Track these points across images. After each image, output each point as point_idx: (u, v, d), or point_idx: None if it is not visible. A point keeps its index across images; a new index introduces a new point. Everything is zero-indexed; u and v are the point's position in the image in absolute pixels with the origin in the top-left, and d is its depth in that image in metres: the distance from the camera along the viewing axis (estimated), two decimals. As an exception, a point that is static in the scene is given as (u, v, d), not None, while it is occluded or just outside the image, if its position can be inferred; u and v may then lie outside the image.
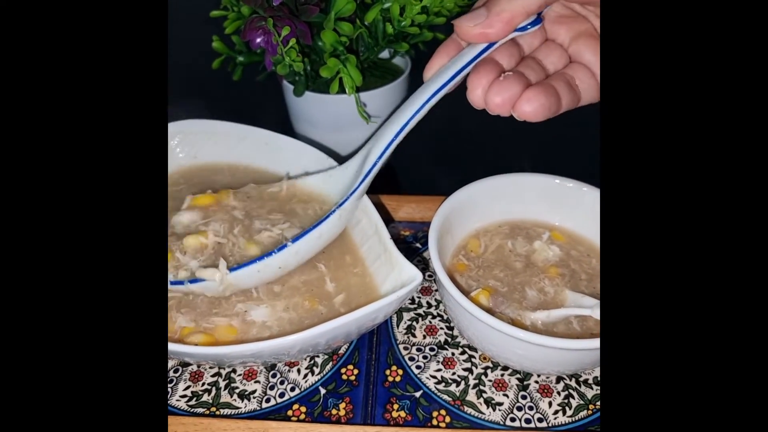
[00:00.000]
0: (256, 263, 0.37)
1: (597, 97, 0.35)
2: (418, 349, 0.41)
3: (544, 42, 0.36)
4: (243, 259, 0.38)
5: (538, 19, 0.33)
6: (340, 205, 0.39)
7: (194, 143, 0.48)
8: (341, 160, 0.52)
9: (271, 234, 0.39)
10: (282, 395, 0.38)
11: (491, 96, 0.32)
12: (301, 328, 0.32)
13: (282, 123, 0.56)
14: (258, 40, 0.44)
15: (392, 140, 0.37)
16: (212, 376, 0.39)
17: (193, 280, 0.37)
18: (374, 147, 0.38)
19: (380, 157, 0.38)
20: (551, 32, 0.36)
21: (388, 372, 0.39)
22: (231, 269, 0.37)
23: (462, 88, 0.35)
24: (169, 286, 0.37)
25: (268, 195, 0.43)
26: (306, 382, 0.39)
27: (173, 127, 0.48)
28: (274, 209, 0.42)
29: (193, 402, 0.38)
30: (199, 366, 0.40)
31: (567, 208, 0.44)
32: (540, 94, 0.32)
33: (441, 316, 0.43)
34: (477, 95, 0.33)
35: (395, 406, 0.37)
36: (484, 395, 0.38)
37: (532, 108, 0.31)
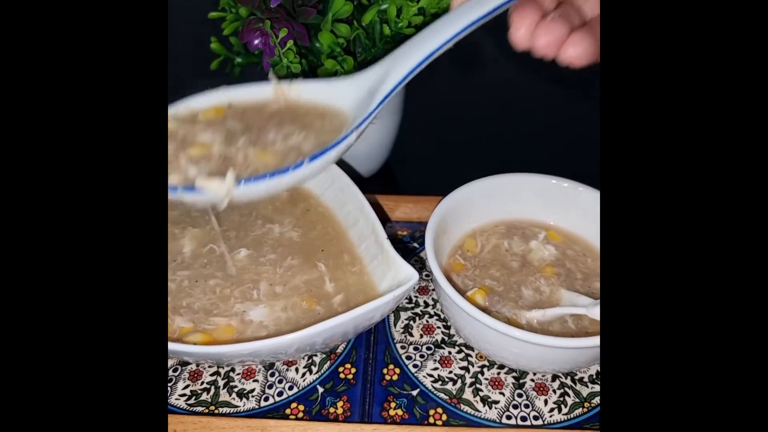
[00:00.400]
0: (268, 179, 0.34)
1: None
2: (415, 348, 0.41)
3: None
4: (255, 169, 0.35)
5: None
6: (358, 126, 0.35)
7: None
8: (338, 160, 0.53)
9: (285, 145, 0.36)
10: (280, 394, 0.38)
11: (538, 36, 0.30)
12: (298, 328, 0.32)
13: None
14: (256, 41, 0.44)
15: (417, 65, 0.34)
16: (211, 375, 0.40)
17: (189, 188, 0.33)
18: (394, 68, 0.35)
19: (401, 81, 0.35)
20: None
21: (385, 371, 0.40)
22: (238, 182, 0.33)
23: (455, 94, 0.35)
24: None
25: (268, 110, 0.39)
26: (304, 380, 0.39)
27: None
28: (283, 121, 0.38)
29: (192, 401, 0.38)
30: (198, 365, 0.40)
31: (563, 208, 0.44)
32: (585, 38, 0.30)
33: (438, 315, 0.44)
34: (521, 34, 0.31)
35: (392, 405, 0.38)
36: (481, 393, 0.38)
37: (577, 52, 0.30)
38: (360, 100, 0.37)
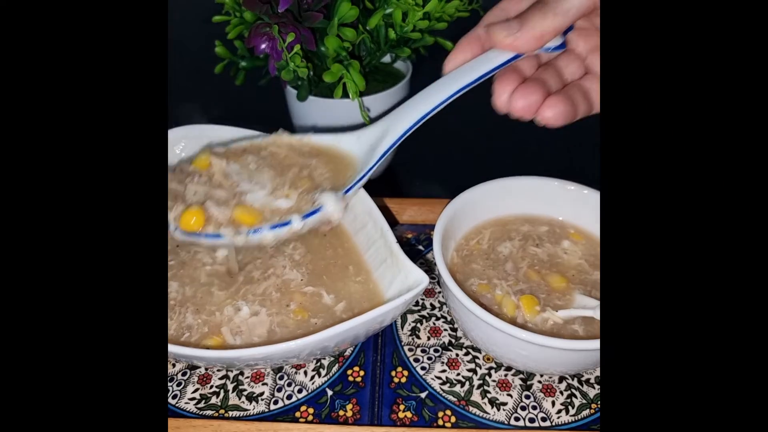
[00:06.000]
0: (280, 229, 0.36)
1: None
2: (423, 351, 0.42)
3: (564, 52, 0.37)
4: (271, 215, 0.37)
5: (563, 45, 0.36)
6: (363, 175, 0.39)
7: (198, 149, 0.49)
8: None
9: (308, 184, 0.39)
10: (289, 397, 0.39)
11: (516, 99, 0.34)
12: (295, 337, 0.32)
13: (284, 128, 0.56)
14: (263, 46, 0.44)
15: (411, 126, 0.38)
16: (220, 378, 0.40)
17: (210, 235, 0.36)
18: (393, 127, 0.39)
19: (398, 139, 0.38)
20: (570, 42, 0.37)
21: (393, 373, 0.40)
22: (250, 232, 0.36)
23: (458, 97, 0.36)
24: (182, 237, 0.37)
25: (282, 154, 0.41)
26: (313, 384, 0.39)
27: (177, 133, 0.48)
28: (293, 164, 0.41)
29: (201, 405, 0.38)
30: (207, 369, 0.40)
31: (568, 210, 0.45)
32: (560, 102, 0.34)
33: (445, 317, 0.44)
34: (503, 100, 0.34)
35: (401, 407, 0.38)
36: (489, 395, 0.39)
37: (552, 114, 0.33)
38: (363, 153, 0.40)
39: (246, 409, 0.38)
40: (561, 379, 0.40)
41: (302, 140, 0.42)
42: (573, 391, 0.39)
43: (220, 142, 0.44)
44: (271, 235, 0.36)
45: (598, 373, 0.40)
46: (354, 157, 0.40)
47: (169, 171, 0.40)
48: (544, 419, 0.37)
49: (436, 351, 0.42)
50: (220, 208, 0.37)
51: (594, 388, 0.39)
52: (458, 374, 0.40)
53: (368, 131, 0.40)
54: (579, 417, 0.38)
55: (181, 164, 0.41)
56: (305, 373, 0.40)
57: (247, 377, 0.40)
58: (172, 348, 0.32)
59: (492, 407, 0.38)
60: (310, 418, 0.37)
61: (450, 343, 0.42)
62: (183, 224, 0.36)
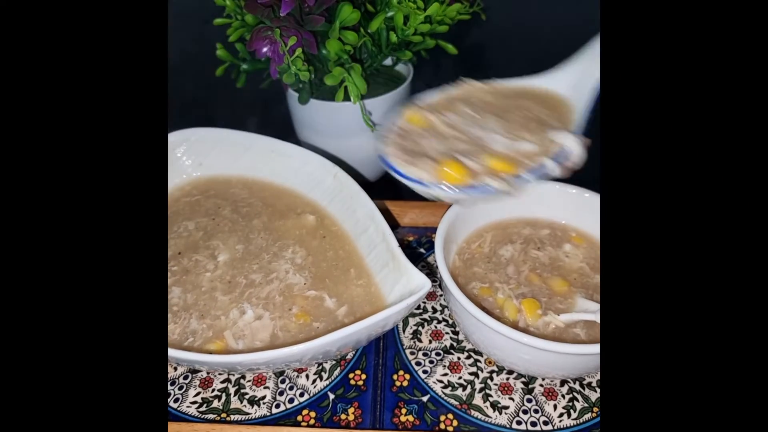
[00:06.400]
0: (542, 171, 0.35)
1: None
2: (425, 354, 0.42)
3: None
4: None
5: None
6: (580, 129, 0.37)
7: (200, 151, 0.49)
8: (346, 167, 0.53)
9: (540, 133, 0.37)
10: (291, 401, 0.39)
11: None
12: (298, 341, 0.32)
13: (285, 130, 0.56)
14: (264, 49, 0.44)
15: None
16: (222, 382, 0.40)
17: (479, 188, 0.34)
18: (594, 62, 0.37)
19: None
20: None
21: (395, 377, 0.40)
22: (513, 179, 0.35)
23: None
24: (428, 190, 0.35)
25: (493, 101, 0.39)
26: (315, 387, 0.39)
27: (179, 136, 0.48)
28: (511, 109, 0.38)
29: (203, 408, 0.38)
30: (209, 372, 0.40)
31: (569, 213, 0.45)
32: None
33: (446, 320, 0.44)
34: None
35: (403, 411, 0.38)
36: (490, 399, 0.39)
37: None
38: (569, 89, 0.38)
39: (248, 413, 0.38)
40: (563, 382, 0.40)
41: (487, 86, 0.40)
42: (575, 394, 0.39)
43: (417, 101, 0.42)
44: (533, 180, 0.35)
45: (599, 376, 0.40)
46: (559, 95, 0.39)
47: (387, 133, 0.38)
48: (546, 423, 0.37)
49: (437, 354, 0.42)
50: (471, 159, 0.35)
51: (596, 391, 0.39)
52: (460, 378, 0.40)
53: (566, 68, 0.39)
54: (581, 420, 0.38)
55: (390, 125, 0.38)
56: (307, 376, 0.40)
57: (249, 381, 0.40)
58: (175, 353, 0.32)
59: (494, 411, 0.38)
60: (312, 421, 0.37)
61: (452, 346, 0.42)
62: (448, 178, 0.34)
